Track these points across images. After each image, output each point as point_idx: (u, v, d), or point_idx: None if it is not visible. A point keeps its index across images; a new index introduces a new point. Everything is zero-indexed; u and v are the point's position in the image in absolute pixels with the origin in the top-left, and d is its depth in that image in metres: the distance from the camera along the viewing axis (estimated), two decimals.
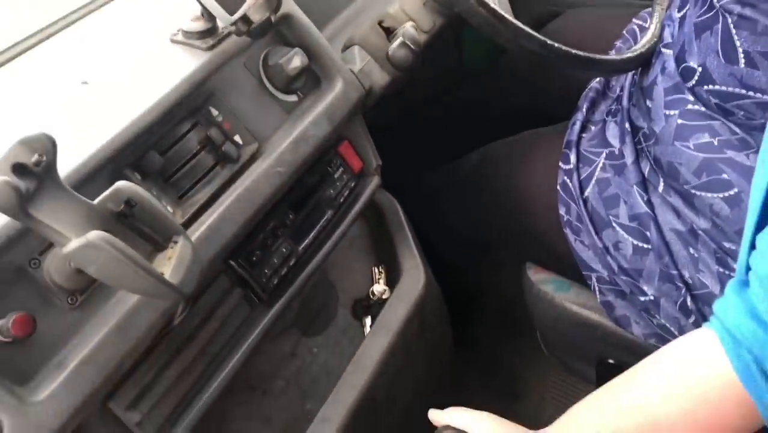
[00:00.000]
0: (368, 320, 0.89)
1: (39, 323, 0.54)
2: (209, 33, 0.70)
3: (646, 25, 0.92)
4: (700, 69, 0.69)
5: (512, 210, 0.94)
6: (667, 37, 0.79)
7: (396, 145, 1.00)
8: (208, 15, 0.69)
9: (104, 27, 0.77)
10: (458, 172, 1.04)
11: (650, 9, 0.92)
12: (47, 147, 0.48)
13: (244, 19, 0.67)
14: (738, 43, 0.64)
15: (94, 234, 0.47)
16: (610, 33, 1.01)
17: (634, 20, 1.00)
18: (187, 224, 0.64)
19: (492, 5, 0.70)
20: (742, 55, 0.64)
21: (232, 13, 0.65)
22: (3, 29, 0.75)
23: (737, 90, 0.66)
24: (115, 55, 0.70)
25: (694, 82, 0.71)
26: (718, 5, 0.65)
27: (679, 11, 0.78)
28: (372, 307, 0.89)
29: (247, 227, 0.70)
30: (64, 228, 0.48)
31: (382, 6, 0.99)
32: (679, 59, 0.73)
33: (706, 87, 0.69)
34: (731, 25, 0.64)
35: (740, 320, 0.45)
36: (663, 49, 0.80)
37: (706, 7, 0.68)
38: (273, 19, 0.70)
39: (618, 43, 0.98)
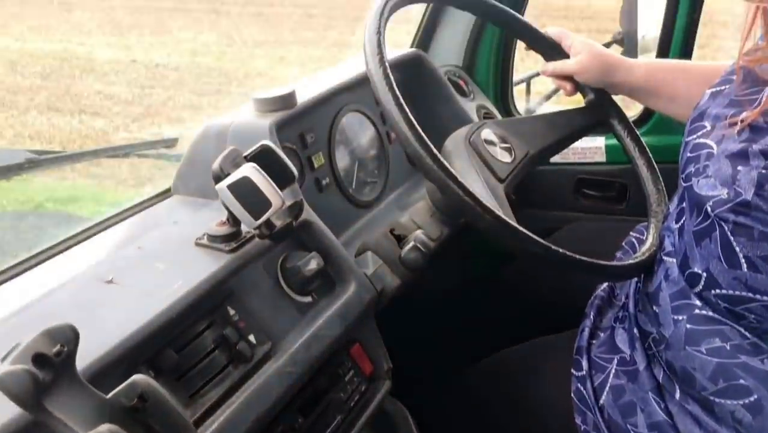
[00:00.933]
0: None
1: None
2: (233, 237, 0.75)
3: (644, 238, 0.97)
4: (705, 274, 0.72)
5: (527, 421, 0.91)
6: (668, 246, 0.83)
7: (406, 350, 1.00)
8: (233, 220, 0.74)
9: (136, 230, 0.83)
10: (468, 380, 1.03)
11: (646, 223, 0.98)
12: (69, 338, 0.50)
13: (268, 223, 0.71)
14: (737, 249, 0.67)
15: (105, 428, 0.46)
16: (610, 244, 1.06)
17: (631, 233, 1.06)
18: (198, 422, 0.62)
19: (497, 212, 0.75)
20: (743, 260, 0.67)
21: (257, 218, 0.70)
22: None
23: (744, 294, 0.68)
24: (142, 256, 0.74)
25: (701, 287, 0.73)
26: (713, 214, 0.69)
27: (676, 222, 0.83)
28: None
29: (256, 429, 0.67)
30: (76, 423, 0.47)
31: (393, 216, 1.06)
32: (684, 266, 0.76)
33: (713, 291, 0.71)
34: (728, 232, 0.67)
35: None
36: (665, 257, 0.83)
37: (702, 217, 0.71)
38: (294, 224, 0.74)
39: (618, 254, 1.03)
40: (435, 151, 0.75)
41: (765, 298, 0.66)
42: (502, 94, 1.37)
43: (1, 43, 8.23)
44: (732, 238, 0.67)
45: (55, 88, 6.57)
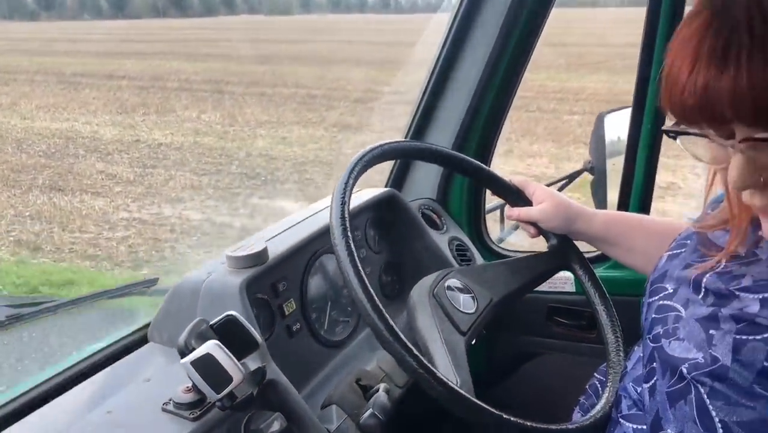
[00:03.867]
0: None
1: None
2: (197, 405, 0.78)
3: (605, 381, 0.99)
4: None
5: None
6: (624, 409, 0.85)
7: None
8: (197, 389, 0.78)
9: (109, 384, 0.87)
10: None
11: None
12: None
13: (230, 395, 0.75)
14: (713, 413, 0.67)
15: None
16: (577, 383, 1.09)
17: (595, 375, 1.08)
18: None
19: (450, 384, 0.78)
20: (719, 424, 0.67)
21: (218, 392, 0.74)
22: None
23: None
24: (110, 424, 0.77)
25: None
26: (688, 377, 0.70)
27: (646, 382, 0.83)
28: None
29: None
30: None
31: (363, 358, 1.10)
32: (655, 426, 0.76)
33: None
34: (705, 396, 0.68)
35: None
36: (621, 420, 0.85)
37: (676, 378, 0.72)
38: (255, 393, 0.78)
39: (581, 399, 1.05)
40: (391, 323, 0.79)
41: None
42: (474, 224, 1.43)
43: (10, 122, 8.46)
44: (708, 401, 0.68)
45: (59, 167, 6.72)
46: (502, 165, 6.88)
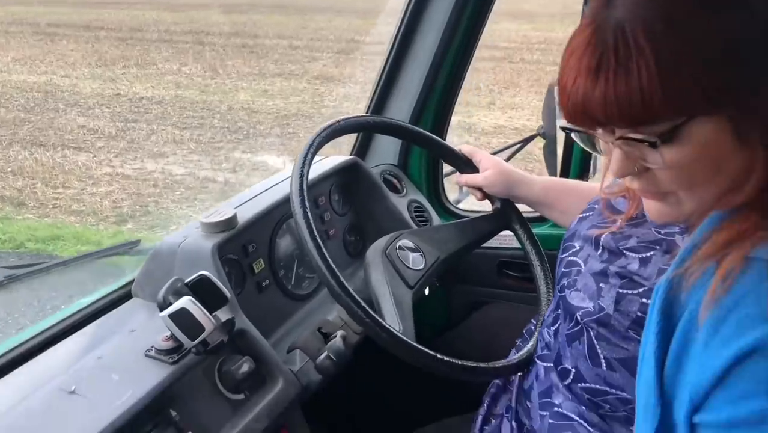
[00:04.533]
0: None
1: None
2: (175, 351, 0.91)
3: (532, 328, 1.13)
4: (573, 370, 0.89)
5: None
6: (539, 350, 1.00)
7: (336, 422, 1.16)
8: (175, 337, 0.90)
9: (98, 334, 0.99)
10: None
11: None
12: None
13: (203, 342, 0.88)
14: (600, 351, 0.83)
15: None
16: (518, 327, 1.23)
17: (532, 320, 1.23)
18: None
19: (392, 329, 0.92)
20: (603, 361, 0.83)
21: (193, 339, 0.87)
22: None
23: (603, 387, 0.85)
24: (100, 367, 0.90)
25: (570, 380, 0.89)
26: (582, 322, 0.85)
27: (552, 325, 1.00)
28: None
29: None
30: None
31: (327, 309, 1.23)
32: (557, 362, 0.93)
33: (579, 385, 0.88)
34: (593, 337, 0.84)
35: None
36: (537, 360, 1.00)
37: (573, 323, 0.88)
38: (225, 340, 0.91)
39: (518, 342, 1.20)
40: (341, 279, 0.92)
41: (618, 392, 0.83)
42: (433, 187, 1.56)
43: None
44: (596, 342, 0.83)
45: (39, 122, 6.69)
46: (484, 117, 6.96)
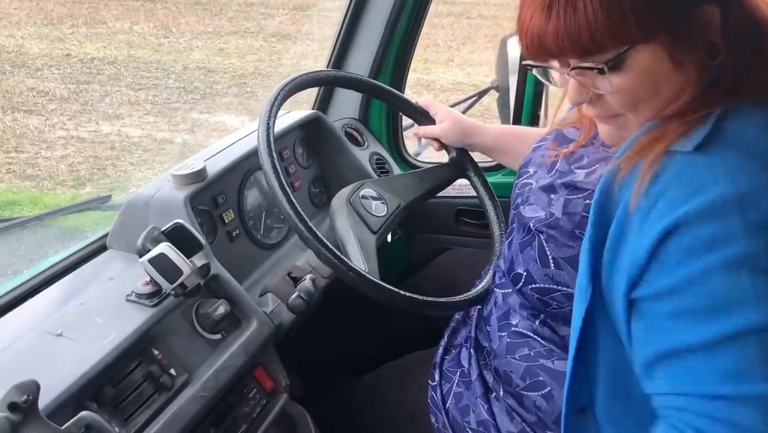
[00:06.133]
0: None
1: None
2: (155, 294, 0.97)
3: (490, 268, 1.22)
4: (525, 273, 0.97)
5: (397, 420, 1.16)
6: (497, 280, 1.09)
7: (313, 367, 1.24)
8: (154, 282, 0.96)
9: (78, 284, 1.04)
10: (359, 388, 1.28)
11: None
12: (33, 389, 0.72)
13: (181, 285, 0.94)
14: (549, 253, 0.91)
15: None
16: (477, 269, 1.32)
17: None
18: None
19: (358, 268, 0.99)
20: (551, 261, 0.91)
21: (171, 282, 0.93)
22: None
23: (551, 286, 0.93)
24: (84, 312, 0.96)
25: (521, 283, 0.97)
26: (534, 229, 0.93)
27: (507, 239, 1.08)
28: None
29: None
30: None
31: (295, 256, 1.30)
32: (510, 269, 1.01)
33: (530, 286, 0.96)
34: (543, 241, 0.92)
35: None
36: (495, 288, 1.09)
37: (525, 232, 0.96)
38: (202, 283, 0.97)
39: (477, 282, 1.29)
40: (310, 225, 0.99)
41: (564, 288, 0.91)
42: (394, 140, 1.62)
43: None
44: (546, 245, 0.92)
45: None
46: (443, 74, 6.99)
